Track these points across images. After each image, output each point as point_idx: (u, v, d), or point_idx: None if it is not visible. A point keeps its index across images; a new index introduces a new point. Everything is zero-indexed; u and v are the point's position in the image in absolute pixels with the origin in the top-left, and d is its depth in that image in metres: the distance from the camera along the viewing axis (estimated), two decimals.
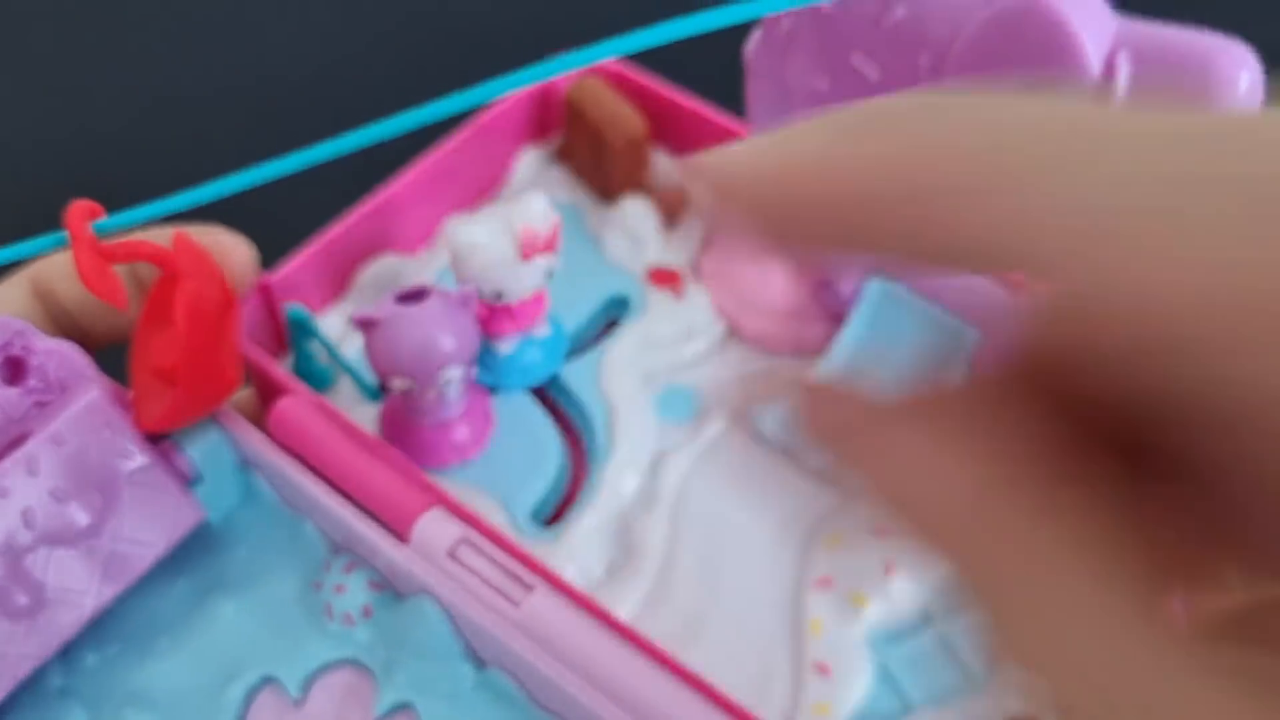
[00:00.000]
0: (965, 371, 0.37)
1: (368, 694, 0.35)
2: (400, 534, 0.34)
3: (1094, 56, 0.29)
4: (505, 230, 0.37)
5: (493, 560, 0.33)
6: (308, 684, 0.36)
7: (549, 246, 0.37)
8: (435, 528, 0.34)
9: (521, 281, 0.37)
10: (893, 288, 0.39)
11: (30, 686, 0.35)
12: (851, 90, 0.34)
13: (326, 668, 0.36)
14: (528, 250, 0.37)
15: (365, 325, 0.35)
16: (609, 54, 0.30)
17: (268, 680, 0.36)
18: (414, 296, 0.36)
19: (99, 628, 0.36)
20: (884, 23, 0.32)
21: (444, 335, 0.36)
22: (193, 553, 0.38)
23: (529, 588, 0.33)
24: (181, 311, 0.33)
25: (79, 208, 0.32)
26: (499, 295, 0.37)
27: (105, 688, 0.35)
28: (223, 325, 0.35)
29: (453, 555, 0.33)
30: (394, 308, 0.35)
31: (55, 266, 0.40)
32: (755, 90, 0.37)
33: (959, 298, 0.38)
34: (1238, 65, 0.28)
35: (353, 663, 0.36)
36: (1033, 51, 0.29)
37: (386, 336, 0.35)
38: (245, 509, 0.38)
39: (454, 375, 0.36)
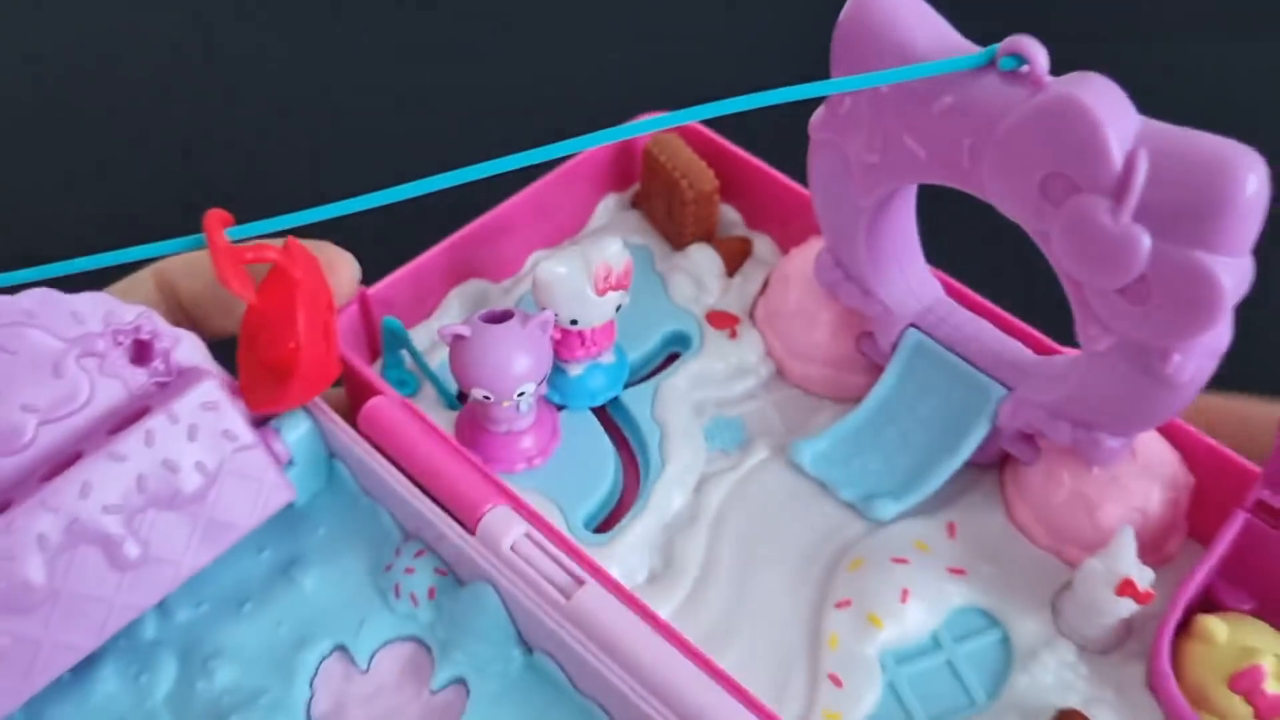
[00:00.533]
0: (988, 425, 0.41)
1: (426, 668, 0.40)
2: (468, 525, 0.38)
3: (1118, 152, 0.32)
4: (583, 267, 0.41)
5: (549, 555, 0.37)
6: (373, 655, 0.40)
7: (621, 284, 0.41)
8: (500, 522, 0.38)
9: (594, 312, 0.42)
10: (927, 342, 0.43)
11: (128, 634, 0.40)
12: (900, 166, 0.38)
13: (391, 642, 0.40)
14: (602, 286, 0.41)
15: (453, 339, 0.40)
16: (690, 119, 0.34)
17: (338, 648, 0.40)
18: (499, 318, 0.41)
19: (192, 588, 0.41)
20: (933, 108, 0.36)
21: (522, 355, 0.40)
22: (280, 529, 0.42)
23: (580, 582, 0.37)
24: (301, 309, 0.38)
25: (214, 216, 0.36)
26: (574, 322, 0.42)
27: (194, 641, 0.40)
28: (326, 324, 0.40)
29: (514, 548, 0.38)
30: (480, 325, 0.40)
31: (177, 265, 0.44)
32: (816, 159, 0.41)
33: (990, 357, 0.42)
34: (1248, 168, 0.31)
35: (415, 639, 0.40)
36: (1065, 142, 0.33)
37: (471, 351, 0.40)
38: (328, 494, 0.43)
39: (528, 389, 0.40)
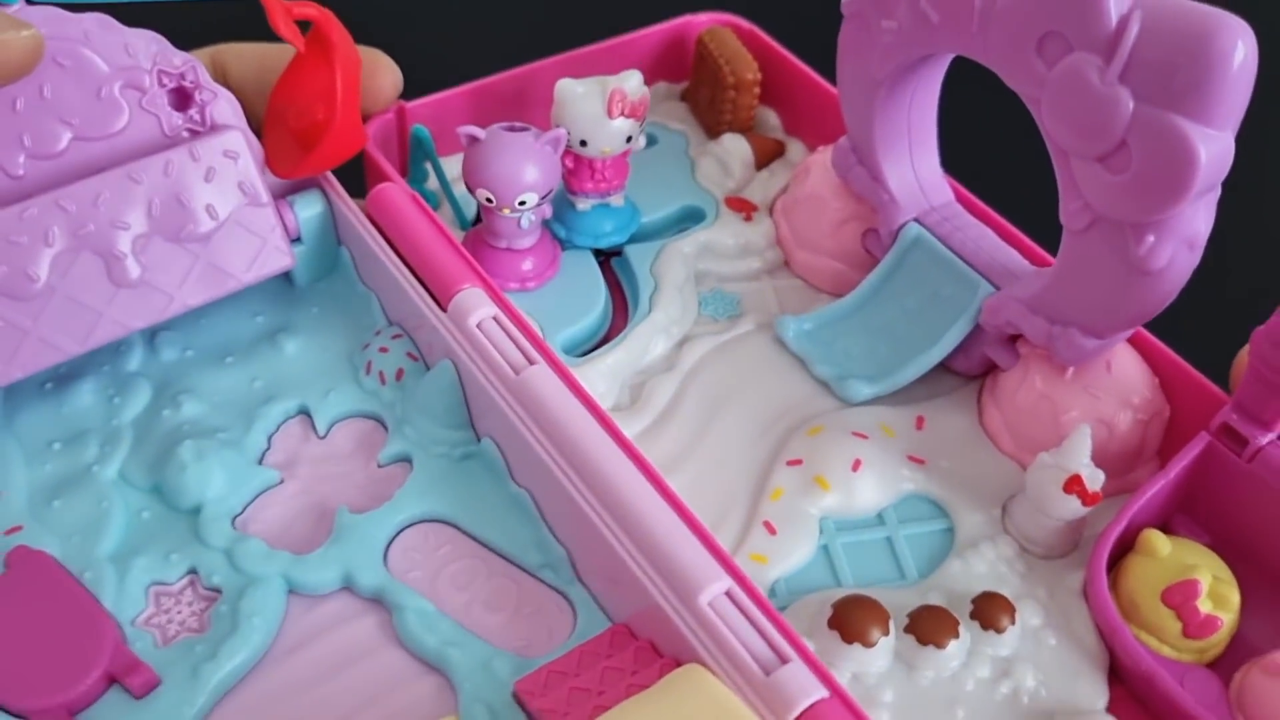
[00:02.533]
0: (971, 322, 0.42)
1: (378, 444, 0.41)
2: (442, 303, 0.40)
3: (1113, 10, 0.33)
4: (600, 91, 0.43)
5: (510, 336, 0.38)
6: (332, 424, 0.41)
7: (634, 113, 0.43)
8: (470, 300, 0.39)
9: (603, 136, 0.43)
10: (925, 236, 0.43)
11: (112, 361, 0.42)
12: (916, 33, 0.39)
13: (352, 415, 0.42)
14: (613, 109, 0.42)
15: (469, 140, 0.42)
16: None
17: (302, 410, 0.42)
18: (517, 129, 0.42)
19: (182, 334, 0.43)
20: None
21: (528, 163, 0.42)
22: (278, 300, 0.44)
23: (531, 361, 0.38)
24: (339, 70, 0.40)
25: None
26: (584, 144, 0.43)
27: (171, 378, 0.42)
28: (355, 95, 0.42)
29: (479, 326, 0.39)
30: (495, 131, 0.42)
31: (232, 51, 0.47)
32: (846, 32, 0.42)
33: (985, 259, 0.42)
34: (1236, 37, 0.32)
35: (374, 417, 0.42)
36: (1060, 3, 0.34)
37: (483, 153, 0.41)
38: (329, 280, 0.45)
39: (529, 199, 0.42)
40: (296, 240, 0.43)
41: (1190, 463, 0.38)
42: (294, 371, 0.42)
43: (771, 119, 0.52)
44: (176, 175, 0.40)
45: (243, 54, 0.46)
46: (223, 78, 0.47)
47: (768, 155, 0.50)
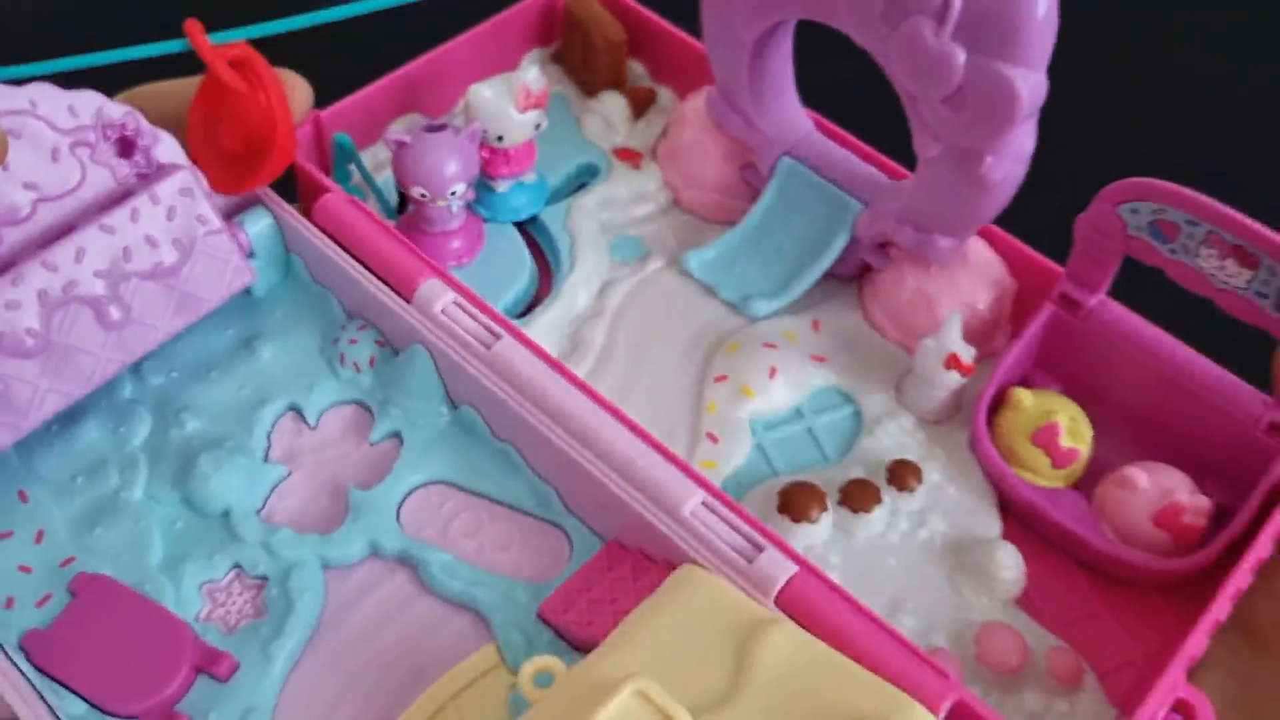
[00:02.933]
0: (848, 234, 0.49)
1: (366, 425, 0.47)
2: (404, 295, 0.45)
3: None
4: (507, 90, 0.48)
5: (473, 317, 0.45)
6: (321, 414, 0.47)
7: (539, 103, 0.49)
8: (432, 290, 0.45)
9: (516, 128, 0.49)
10: (799, 166, 0.50)
11: (107, 395, 0.46)
12: (771, 3, 0.45)
13: (337, 404, 0.47)
14: (523, 104, 0.48)
15: (397, 145, 0.47)
16: None
17: (291, 407, 0.47)
18: (436, 129, 0.47)
19: (164, 358, 0.47)
20: None
21: (454, 158, 0.47)
22: (242, 312, 0.49)
23: (498, 336, 0.44)
24: (273, 90, 0.44)
25: (194, 23, 0.43)
26: (500, 139, 0.49)
27: (166, 399, 0.47)
28: (288, 114, 0.46)
29: (444, 312, 0.45)
30: (420, 133, 0.47)
31: (143, 94, 0.50)
32: (709, 4, 0.48)
33: (851, 179, 0.50)
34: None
35: (357, 402, 0.47)
36: None
37: (412, 153, 0.47)
38: (284, 285, 0.50)
39: (458, 189, 0.47)
40: (250, 255, 0.48)
41: (1039, 328, 0.47)
42: (274, 373, 0.47)
43: (639, 70, 0.58)
44: (144, 220, 0.44)
45: (155, 94, 0.49)
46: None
47: (642, 105, 0.56)
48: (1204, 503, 0.43)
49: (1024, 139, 0.42)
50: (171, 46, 0.43)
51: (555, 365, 0.43)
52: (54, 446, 0.45)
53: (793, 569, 0.39)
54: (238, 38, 0.44)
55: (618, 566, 0.42)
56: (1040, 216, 0.46)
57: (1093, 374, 0.47)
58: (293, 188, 0.50)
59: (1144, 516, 0.43)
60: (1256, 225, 0.40)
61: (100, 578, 0.41)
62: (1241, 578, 0.40)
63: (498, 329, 0.44)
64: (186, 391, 0.47)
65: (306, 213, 0.48)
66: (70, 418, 0.46)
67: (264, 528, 0.43)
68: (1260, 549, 0.41)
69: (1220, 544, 0.42)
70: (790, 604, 0.38)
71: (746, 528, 0.40)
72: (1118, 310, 0.46)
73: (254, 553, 0.43)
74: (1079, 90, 0.57)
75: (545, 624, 0.41)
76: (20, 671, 0.38)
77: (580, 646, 0.40)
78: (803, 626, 0.37)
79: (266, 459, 0.46)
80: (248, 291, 0.49)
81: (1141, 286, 0.45)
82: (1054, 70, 0.41)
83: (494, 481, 0.45)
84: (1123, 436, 0.46)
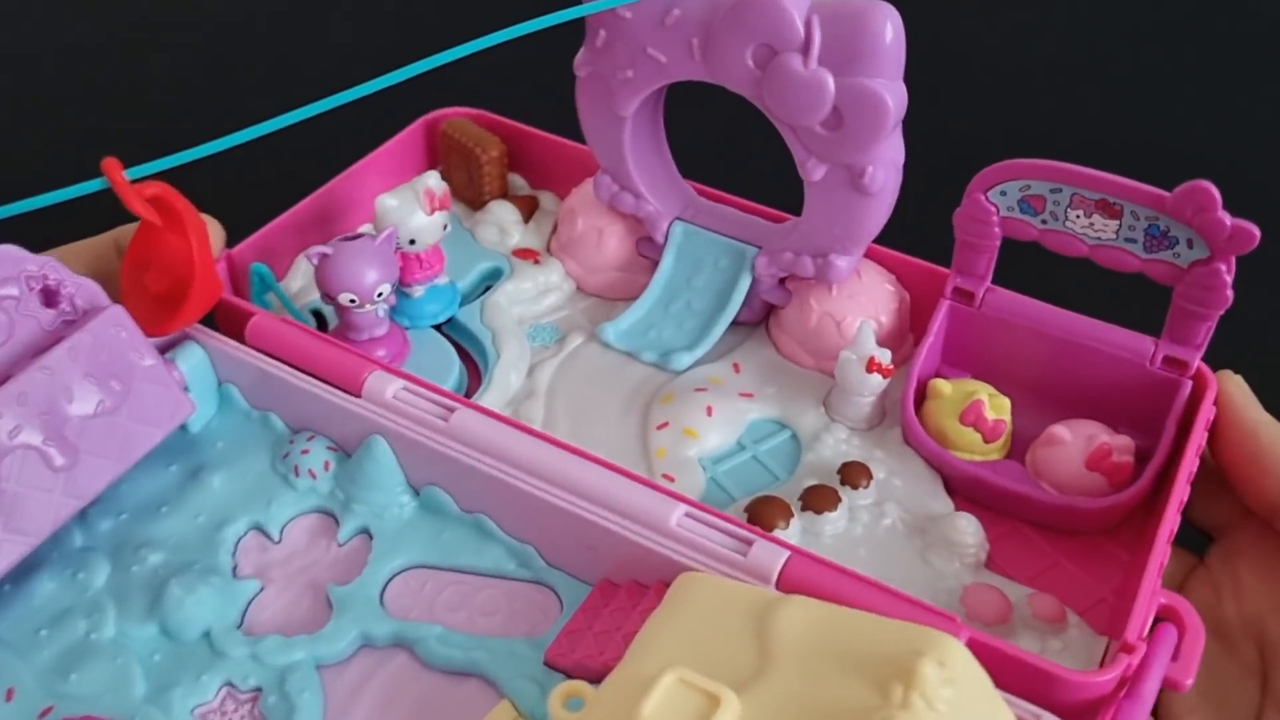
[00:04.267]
0: (750, 277, 0.52)
1: (332, 529, 0.47)
2: (353, 392, 0.46)
3: (799, 22, 0.45)
4: (413, 196, 0.51)
5: (425, 397, 0.46)
6: (283, 527, 0.47)
7: (444, 205, 0.51)
8: (380, 380, 0.46)
9: (427, 230, 0.51)
10: (691, 228, 0.54)
11: (57, 546, 0.45)
12: (649, 73, 0.50)
13: (297, 516, 0.47)
14: (430, 207, 0.51)
15: (320, 259, 0.49)
16: (461, 54, 0.44)
17: (252, 526, 0.47)
18: (351, 239, 0.49)
19: (110, 502, 0.47)
20: (666, 21, 0.48)
21: (376, 261, 0.49)
22: (181, 448, 0.49)
23: (451, 410, 0.45)
24: (192, 233, 0.46)
25: (112, 162, 0.44)
26: (412, 242, 0.51)
27: (121, 541, 0.46)
28: (207, 248, 0.47)
29: (396, 397, 0.46)
30: (340, 244, 0.49)
31: (63, 255, 0.51)
32: (583, 91, 0.53)
33: (741, 230, 0.54)
34: (886, 15, 0.44)
35: (318, 510, 0.47)
36: (761, 21, 0.45)
37: (336, 263, 0.49)
38: (220, 416, 0.50)
39: (384, 290, 0.49)
40: (186, 390, 0.48)
41: (942, 323, 0.51)
42: (229, 498, 0.47)
43: (519, 181, 0.62)
44: (82, 359, 0.44)
45: (67, 255, 0.50)
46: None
47: (528, 211, 0.60)
48: (1128, 441, 0.47)
49: (896, 148, 0.47)
50: (89, 187, 0.44)
51: (513, 423, 0.45)
52: (10, 606, 0.44)
53: (785, 554, 0.40)
54: (148, 170, 0.46)
55: (613, 600, 0.42)
56: (914, 233, 0.51)
57: (995, 355, 0.51)
58: (214, 326, 0.51)
59: (1077, 464, 0.47)
60: (1111, 176, 0.45)
61: (87, 718, 0.40)
62: (1181, 489, 0.44)
63: (451, 403, 0.45)
64: (141, 530, 0.46)
65: (238, 338, 0.49)
66: (22, 575, 0.44)
67: (248, 640, 0.42)
68: (1189, 464, 0.45)
69: (1151, 472, 0.46)
70: (791, 586, 0.40)
71: (733, 528, 0.41)
72: (1005, 293, 0.50)
73: (243, 666, 0.42)
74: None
75: (554, 669, 0.41)
76: None
77: (596, 679, 0.40)
78: None
79: (235, 576, 0.45)
80: (184, 429, 0.49)
81: (1014, 276, 0.50)
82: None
83: (470, 553, 0.45)
84: (1035, 406, 0.50)
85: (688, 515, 0.42)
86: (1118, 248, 0.46)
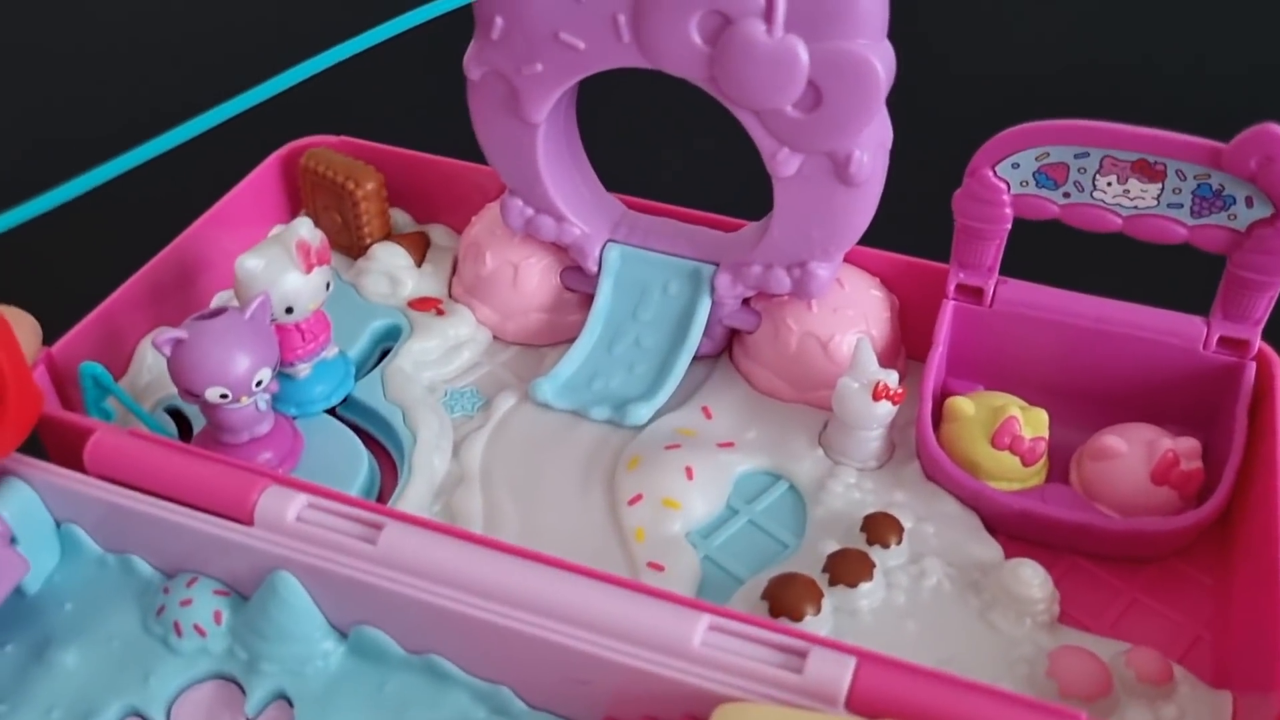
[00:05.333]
0: (709, 301, 0.43)
1: (236, 699, 0.36)
2: (242, 519, 0.35)
3: None
4: (284, 252, 0.40)
5: (339, 514, 0.35)
6: (170, 707, 0.35)
7: (322, 259, 0.41)
8: (277, 500, 0.35)
9: (306, 293, 0.40)
10: (629, 250, 0.44)
11: None
12: (564, 65, 0.40)
13: (186, 688, 0.36)
14: (308, 263, 0.40)
15: (173, 346, 0.37)
16: (310, 71, 0.34)
17: (129, 714, 0.35)
18: (212, 315, 0.38)
19: None
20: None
21: (250, 340, 0.38)
22: (14, 619, 0.37)
23: (379, 527, 0.35)
24: (3, 351, 0.34)
25: None
26: (289, 311, 0.40)
27: None
28: (19, 359, 0.36)
29: (300, 519, 0.35)
30: (199, 325, 0.38)
31: None
32: (478, 97, 0.42)
33: (689, 245, 0.44)
34: None
35: (215, 676, 0.36)
36: None
37: (198, 350, 0.37)
38: (64, 566, 0.38)
39: (264, 376, 0.38)
40: (13, 541, 0.36)
41: (949, 327, 0.42)
42: (90, 680, 0.35)
43: (401, 216, 0.51)
44: None
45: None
46: None
47: (420, 250, 0.49)
48: (1193, 444, 0.39)
49: (884, 126, 0.39)
50: None
51: (460, 533, 0.35)
52: None
53: (852, 661, 0.31)
54: None
55: None
56: (890, 224, 0.42)
57: (1013, 358, 0.43)
58: (41, 452, 0.39)
59: (1140, 479, 0.39)
60: (1153, 131, 0.37)
61: None
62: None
63: (376, 518, 0.35)
64: None
65: (75, 463, 0.37)
66: None
67: None
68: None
69: (1229, 478, 0.38)
70: (865, 704, 0.31)
71: (776, 636, 0.32)
72: (1019, 284, 0.42)
73: None
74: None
75: None
76: None
77: None
78: None
79: None
80: (18, 592, 0.37)
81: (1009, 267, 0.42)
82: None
83: (424, 706, 0.35)
84: (1070, 413, 0.42)
85: (713, 629, 0.32)
86: (1160, 216, 0.39)
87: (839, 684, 0.31)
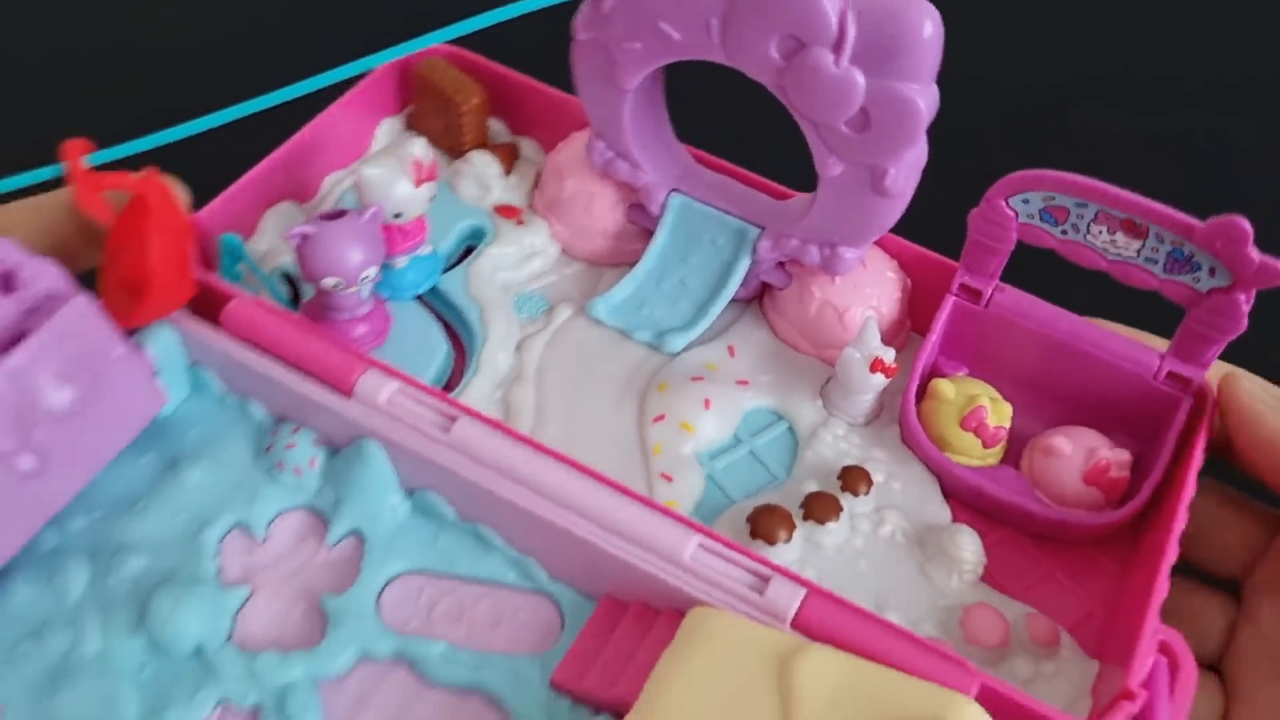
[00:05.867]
0: (749, 259, 0.50)
1: (320, 529, 0.45)
2: (343, 391, 0.44)
3: (833, 16, 0.42)
4: (399, 166, 0.47)
5: (422, 402, 0.44)
6: (269, 525, 0.45)
7: (431, 176, 0.48)
8: (374, 383, 0.44)
9: (414, 203, 0.48)
10: (690, 201, 0.52)
11: (26, 550, 0.43)
12: (659, 48, 0.46)
13: (283, 512, 0.45)
14: (418, 178, 0.47)
15: (301, 239, 0.45)
16: (463, 32, 0.41)
17: (235, 525, 0.44)
18: (334, 216, 0.46)
19: (82, 498, 0.44)
20: None
21: (363, 242, 0.46)
22: (153, 437, 0.46)
23: (453, 419, 0.43)
24: (153, 234, 0.42)
25: (74, 145, 0.40)
26: (398, 216, 0.48)
27: (99, 541, 0.43)
28: (182, 245, 0.44)
29: (390, 401, 0.43)
30: (323, 223, 0.45)
31: (8, 217, 0.47)
32: (580, 56, 0.49)
33: (742, 206, 0.51)
34: (925, 14, 0.42)
35: (306, 508, 0.45)
36: (791, 12, 0.42)
37: (320, 245, 0.45)
38: (193, 400, 0.47)
39: (370, 273, 0.46)
40: (156, 374, 0.45)
41: (946, 319, 0.50)
42: (208, 493, 0.45)
43: (498, 126, 0.58)
44: (46, 358, 0.41)
45: (19, 218, 0.45)
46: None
47: (509, 160, 0.56)
48: (1124, 456, 0.47)
49: (920, 151, 0.45)
50: (41, 175, 0.40)
51: (519, 437, 0.43)
52: None
53: (803, 592, 0.40)
54: (114, 155, 0.42)
55: (621, 621, 0.42)
56: (923, 218, 0.49)
57: (996, 354, 0.50)
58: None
59: (1074, 478, 0.47)
60: (1143, 199, 0.43)
61: None
62: (1181, 519, 0.44)
63: (452, 411, 0.43)
64: (117, 530, 0.44)
65: (213, 320, 0.46)
66: None
67: (243, 656, 0.41)
68: (1188, 488, 0.45)
69: (1146, 491, 0.46)
70: (807, 627, 0.39)
71: (749, 561, 0.41)
72: (1015, 293, 0.49)
73: (239, 684, 0.40)
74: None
75: (562, 693, 0.41)
76: None
77: (606, 708, 0.40)
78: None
79: (222, 583, 0.43)
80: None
81: (1024, 274, 0.49)
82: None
83: (468, 562, 0.44)
84: (1034, 405, 0.50)
85: (702, 548, 0.41)
86: (1138, 266, 0.45)
87: (789, 608, 0.39)
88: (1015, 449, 0.49)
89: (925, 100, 0.43)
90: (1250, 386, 0.46)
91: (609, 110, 0.50)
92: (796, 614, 0.39)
